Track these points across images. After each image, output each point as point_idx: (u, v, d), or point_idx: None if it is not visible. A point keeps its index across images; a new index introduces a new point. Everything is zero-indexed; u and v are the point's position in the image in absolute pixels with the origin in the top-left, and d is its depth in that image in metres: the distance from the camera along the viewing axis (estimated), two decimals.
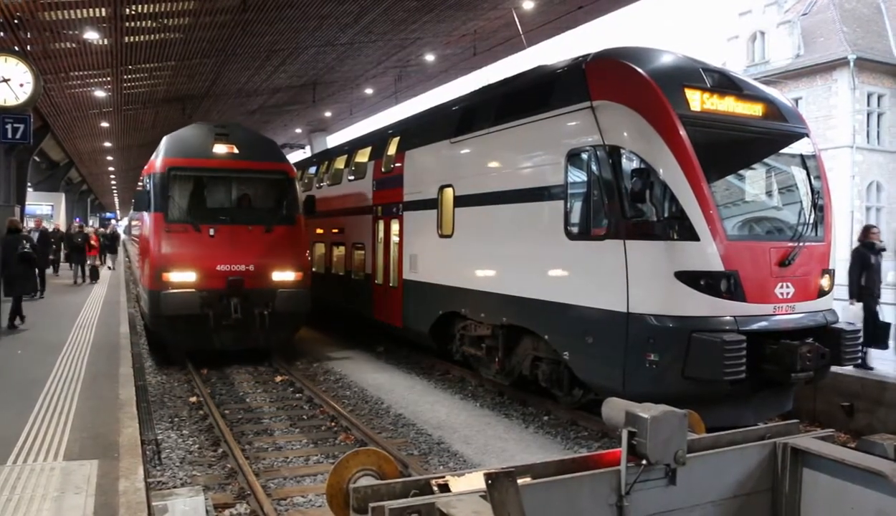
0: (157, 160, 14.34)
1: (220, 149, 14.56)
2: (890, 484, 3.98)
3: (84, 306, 17.97)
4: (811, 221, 9.08)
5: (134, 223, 28.41)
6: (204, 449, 8.91)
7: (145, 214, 14.33)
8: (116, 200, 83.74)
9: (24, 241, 14.76)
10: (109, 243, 34.17)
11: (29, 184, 31.27)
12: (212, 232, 13.57)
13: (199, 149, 14.50)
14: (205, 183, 14.69)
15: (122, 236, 52.86)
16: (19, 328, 14.06)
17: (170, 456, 8.51)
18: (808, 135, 9.65)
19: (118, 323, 15.02)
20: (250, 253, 13.68)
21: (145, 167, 16.44)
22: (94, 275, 26.60)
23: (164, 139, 14.98)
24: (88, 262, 26.51)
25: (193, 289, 13.08)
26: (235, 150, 14.61)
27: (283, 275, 13.89)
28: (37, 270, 16.50)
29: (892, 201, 35.05)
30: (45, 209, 39.88)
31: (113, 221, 71.50)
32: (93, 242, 27.74)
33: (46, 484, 5.61)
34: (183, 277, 13.16)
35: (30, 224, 27.63)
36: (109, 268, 32.66)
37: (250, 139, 15.47)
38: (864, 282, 11.09)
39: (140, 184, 17.93)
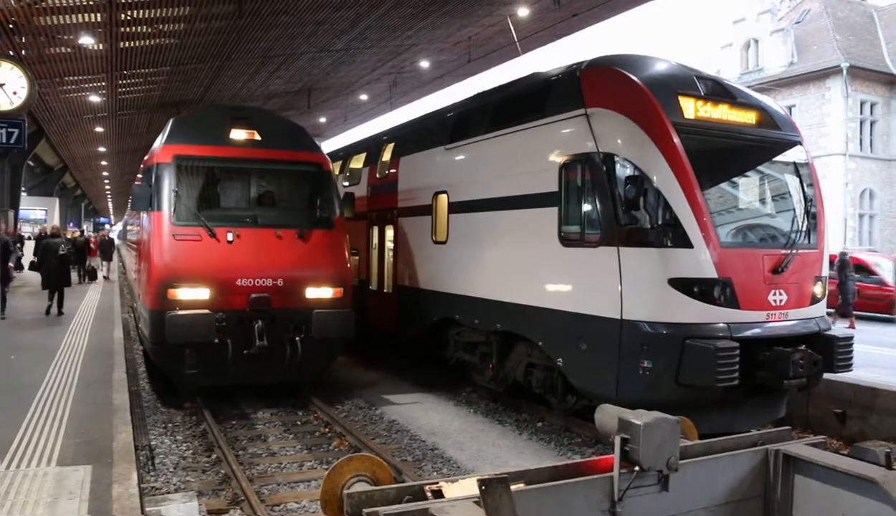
0: (161, 148, 11.58)
1: (239, 134, 11.84)
2: (881, 490, 4.01)
3: (78, 311, 17.91)
4: (804, 229, 9.13)
5: (130, 226, 24.87)
6: (198, 455, 8.90)
7: (146, 215, 11.73)
8: (111, 205, 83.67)
9: (63, 245, 17.65)
10: (105, 249, 31.74)
11: (23, 188, 31.25)
12: (230, 237, 10.81)
13: (213, 135, 11.74)
14: (220, 176, 11.97)
15: (117, 241, 52.18)
16: (62, 315, 16.77)
17: (163, 461, 8.49)
18: (801, 143, 9.70)
19: (112, 328, 14.98)
20: (279, 263, 10.99)
21: (145, 158, 13.37)
22: (93, 276, 28.77)
23: (170, 122, 12.29)
24: (88, 264, 28.81)
25: (207, 310, 10.25)
26: (257, 137, 11.94)
27: (320, 292, 11.19)
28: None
29: (885, 208, 35.21)
30: (38, 214, 39.79)
31: (107, 226, 71.31)
32: (92, 244, 30.20)
33: (39, 490, 5.60)
34: (194, 294, 10.43)
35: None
36: (105, 277, 30.05)
37: (274, 124, 12.87)
38: None
39: (139, 178, 14.56)
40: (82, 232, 31.62)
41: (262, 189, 12.33)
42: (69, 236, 30.22)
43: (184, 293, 10.43)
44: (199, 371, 10.50)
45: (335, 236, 11.80)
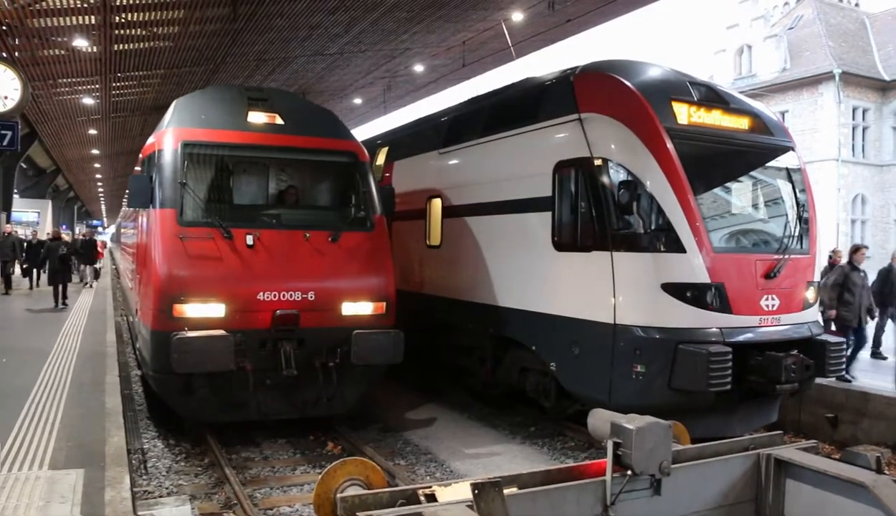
0: (166, 132, 9.61)
1: (258, 118, 9.91)
2: (871, 494, 4.03)
3: (70, 313, 17.87)
4: (796, 234, 9.17)
5: (125, 230, 22.04)
6: (190, 458, 8.87)
7: (145, 213, 9.77)
8: (104, 208, 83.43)
9: (63, 247, 20.99)
10: (85, 253, 26.73)
11: (15, 190, 31.16)
12: (250, 240, 8.97)
13: (227, 118, 9.83)
14: (236, 167, 10.30)
15: (110, 244, 51.63)
16: (66, 307, 19.30)
17: (156, 465, 8.46)
18: (793, 149, 9.75)
19: (104, 331, 14.93)
20: (309, 272, 9.21)
21: (145, 145, 11.28)
22: (96, 275, 30.05)
23: (176, 103, 10.27)
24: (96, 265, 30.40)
25: (223, 331, 8.40)
26: (279, 121, 10.01)
27: (359, 307, 9.43)
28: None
29: (876, 214, 35.38)
30: (31, 216, 39.68)
31: (99, 228, 70.94)
32: (99, 247, 31.67)
33: (31, 494, 5.58)
34: (206, 311, 8.61)
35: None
36: (86, 283, 26.81)
37: (299, 107, 10.86)
38: None
39: (138, 169, 12.19)
40: (85, 235, 31.59)
41: (287, 182, 10.67)
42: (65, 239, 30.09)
43: (194, 309, 8.59)
44: (211, 405, 8.95)
45: (375, 239, 9.91)
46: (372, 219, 10.02)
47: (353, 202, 10.29)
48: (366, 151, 10.64)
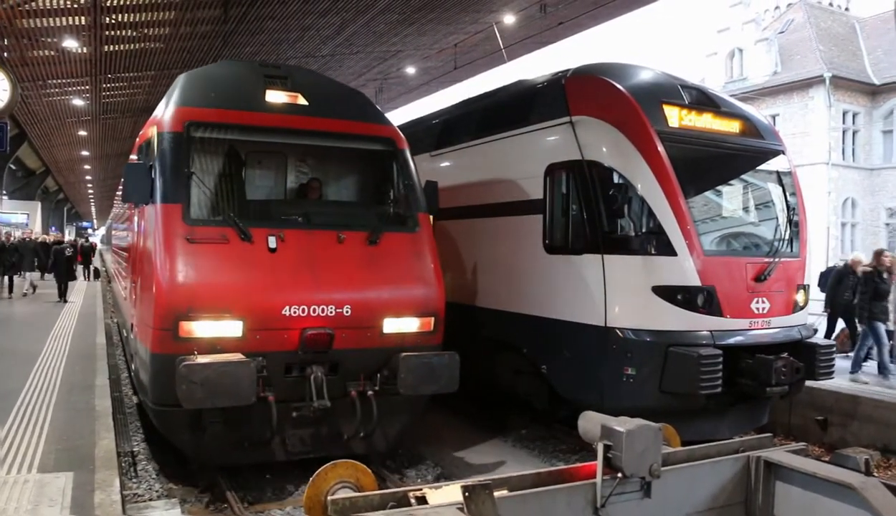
0: (168, 111, 7.85)
1: (277, 97, 8.22)
2: (859, 496, 4.05)
3: (60, 316, 17.79)
4: (787, 237, 9.20)
5: (117, 230, 19.34)
6: (180, 461, 8.82)
7: (143, 209, 8.11)
8: (94, 209, 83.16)
9: (68, 249, 23.84)
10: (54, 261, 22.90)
11: (4, 192, 31.01)
12: (272, 242, 7.35)
13: (242, 97, 8.11)
14: (253, 154, 8.93)
15: (100, 246, 51.29)
16: (68, 301, 21.49)
17: (146, 468, 8.41)
18: (784, 152, 9.78)
19: (94, 333, 14.87)
20: (343, 282, 7.58)
21: (143, 129, 9.55)
22: (97, 275, 33.79)
23: (181, 79, 8.47)
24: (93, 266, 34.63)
25: (241, 354, 6.79)
26: (302, 101, 8.34)
27: (402, 324, 7.86)
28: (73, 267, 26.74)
29: (866, 217, 35.58)
30: (20, 218, 39.49)
31: (89, 230, 70.45)
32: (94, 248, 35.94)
33: (20, 497, 5.55)
34: (220, 330, 6.98)
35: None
36: (25, 293, 22.82)
37: (324, 86, 9.21)
38: None
39: (134, 157, 10.37)
40: (87, 238, 34.21)
41: (313, 173, 9.24)
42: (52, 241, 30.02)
43: (204, 328, 6.94)
44: (225, 444, 7.35)
45: (419, 241, 8.30)
46: (415, 218, 8.42)
47: (392, 197, 8.78)
48: (404, 138, 9.08)
